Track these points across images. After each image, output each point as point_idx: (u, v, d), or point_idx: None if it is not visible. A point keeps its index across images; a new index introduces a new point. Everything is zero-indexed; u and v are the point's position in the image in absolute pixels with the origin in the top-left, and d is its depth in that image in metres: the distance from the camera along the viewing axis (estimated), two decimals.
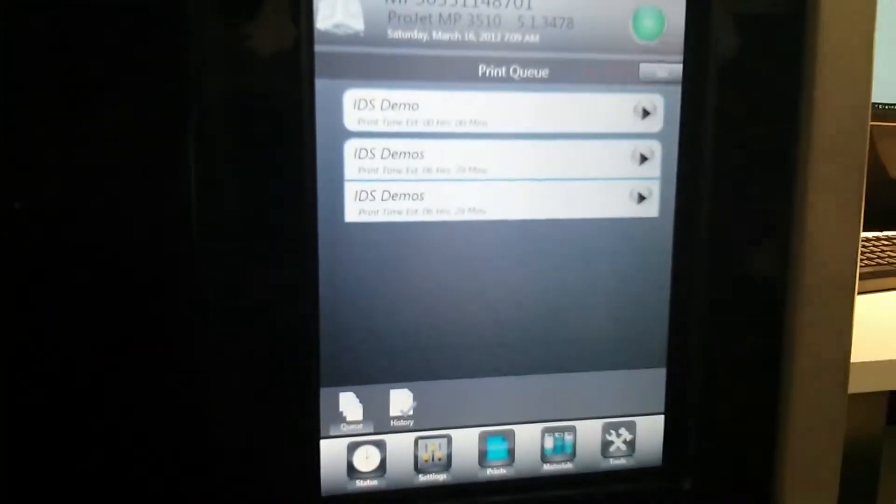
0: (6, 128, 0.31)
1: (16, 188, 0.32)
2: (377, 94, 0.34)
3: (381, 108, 0.34)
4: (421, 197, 0.35)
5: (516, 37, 0.35)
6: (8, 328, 0.32)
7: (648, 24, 0.36)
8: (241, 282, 0.34)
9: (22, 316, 0.33)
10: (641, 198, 0.37)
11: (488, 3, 0.35)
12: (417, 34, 0.34)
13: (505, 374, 0.38)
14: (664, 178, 0.38)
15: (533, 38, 0.35)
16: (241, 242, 0.34)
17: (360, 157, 0.34)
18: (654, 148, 0.37)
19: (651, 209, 0.38)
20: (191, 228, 0.33)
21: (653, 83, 0.37)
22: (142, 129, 0.32)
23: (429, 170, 0.35)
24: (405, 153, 0.35)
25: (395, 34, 0.34)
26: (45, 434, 0.34)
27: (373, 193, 0.35)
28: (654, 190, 0.37)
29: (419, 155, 0.35)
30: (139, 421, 0.34)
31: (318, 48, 0.33)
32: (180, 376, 0.34)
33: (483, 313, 0.37)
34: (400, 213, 0.35)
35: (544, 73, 0.36)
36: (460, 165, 0.36)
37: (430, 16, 0.34)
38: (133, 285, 0.33)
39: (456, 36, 0.35)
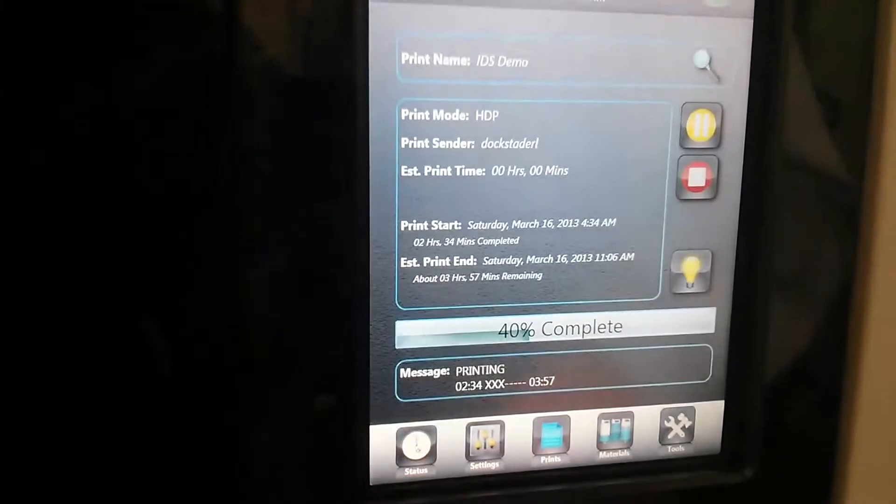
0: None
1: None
2: (433, 49, 0.32)
3: (436, 64, 0.32)
4: (478, 155, 0.33)
5: None
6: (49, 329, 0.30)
7: None
8: (290, 247, 0.32)
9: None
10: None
11: None
12: None
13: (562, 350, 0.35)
14: None
15: None
16: (289, 191, 0.31)
17: (413, 116, 0.32)
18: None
19: None
20: (237, 198, 0.31)
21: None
22: (186, 92, 0.30)
23: (485, 126, 0.33)
24: (461, 110, 0.33)
25: None
26: (81, 444, 0.31)
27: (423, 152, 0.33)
28: None
29: (475, 114, 0.33)
30: (177, 414, 0.32)
31: (373, 4, 0.31)
32: (221, 355, 0.32)
33: (537, 281, 0.35)
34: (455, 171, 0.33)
35: None
36: (516, 122, 0.33)
37: None
38: (177, 268, 0.31)
39: None
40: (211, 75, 0.30)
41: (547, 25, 0.33)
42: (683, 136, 0.35)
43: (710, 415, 0.38)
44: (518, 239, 0.34)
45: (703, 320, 0.37)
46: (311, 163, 0.31)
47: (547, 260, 0.35)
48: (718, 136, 0.35)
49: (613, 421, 0.37)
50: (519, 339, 0.35)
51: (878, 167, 0.36)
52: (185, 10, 0.30)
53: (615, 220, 0.35)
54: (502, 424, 0.36)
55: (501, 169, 0.33)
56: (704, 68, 0.34)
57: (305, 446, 0.33)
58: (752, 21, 0.35)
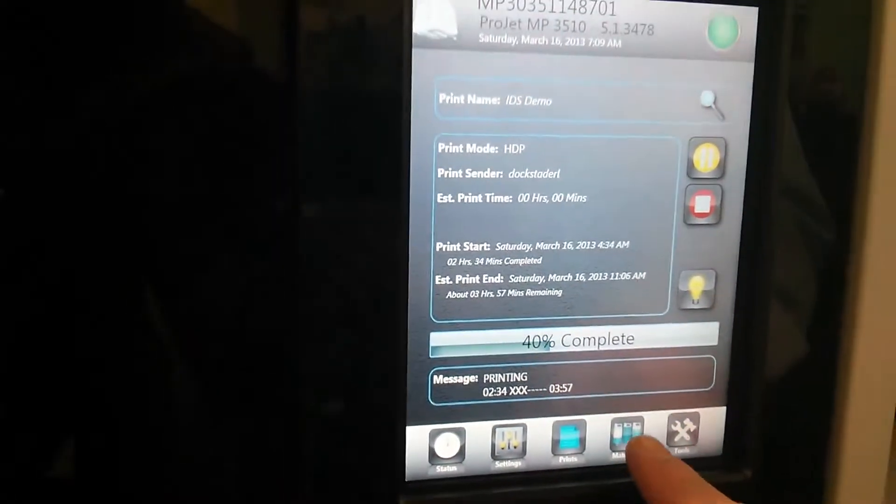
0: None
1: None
2: (467, 91, 0.36)
3: (470, 103, 0.36)
4: (506, 184, 0.37)
5: (600, 42, 0.37)
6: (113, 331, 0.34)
7: (723, 31, 0.38)
8: (337, 242, 0.35)
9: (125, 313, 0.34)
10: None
11: (574, 9, 0.36)
12: (507, 38, 0.36)
13: (577, 360, 0.39)
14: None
15: (616, 43, 0.37)
16: (340, 217, 0.35)
17: (449, 149, 0.36)
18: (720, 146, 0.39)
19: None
20: (293, 218, 0.34)
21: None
22: (248, 129, 0.34)
23: (512, 158, 0.37)
24: (491, 144, 0.36)
25: (486, 38, 0.35)
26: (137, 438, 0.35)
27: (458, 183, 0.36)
28: None
29: (504, 147, 0.36)
30: (234, 414, 0.36)
31: (415, 51, 0.35)
32: (277, 364, 0.35)
33: (557, 297, 0.38)
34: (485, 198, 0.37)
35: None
36: (541, 155, 0.37)
37: (519, 21, 0.36)
38: (238, 282, 0.35)
39: (543, 41, 0.36)
40: (272, 104, 0.34)
41: (568, 69, 0.36)
42: (690, 167, 0.38)
43: (713, 419, 0.41)
44: (541, 259, 0.38)
45: (707, 333, 0.40)
46: (359, 191, 0.35)
47: (567, 278, 0.38)
48: (722, 167, 0.39)
49: (625, 424, 0.40)
50: (540, 350, 0.39)
51: (867, 194, 0.40)
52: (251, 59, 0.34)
53: (629, 242, 0.38)
54: (525, 427, 0.39)
55: (527, 196, 0.37)
56: (710, 107, 0.38)
57: (348, 446, 0.37)
58: (753, 64, 0.38)
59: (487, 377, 0.38)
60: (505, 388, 0.39)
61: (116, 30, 0.33)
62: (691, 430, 0.41)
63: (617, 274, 0.39)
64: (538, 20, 0.36)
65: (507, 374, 0.39)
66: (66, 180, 0.33)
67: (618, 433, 0.40)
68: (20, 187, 0.33)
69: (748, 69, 0.38)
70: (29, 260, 0.33)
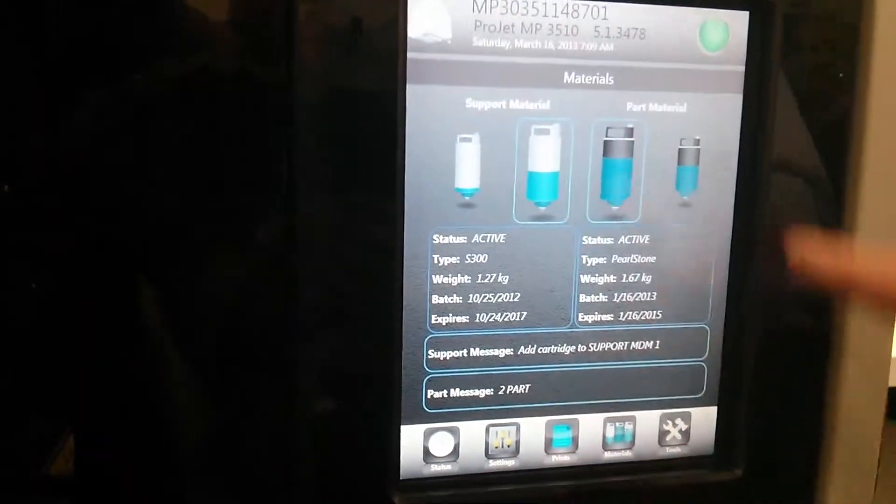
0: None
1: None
2: (463, 96, 0.36)
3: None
4: None
5: (592, 45, 0.37)
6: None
7: (714, 35, 0.38)
8: (336, 246, 0.36)
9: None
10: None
11: (567, 14, 0.36)
12: (501, 42, 0.36)
13: (571, 364, 0.40)
14: None
15: (608, 47, 0.37)
16: (336, 229, 0.36)
17: None
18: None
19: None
20: (289, 222, 0.35)
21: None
22: (246, 130, 0.34)
23: None
24: None
25: (480, 42, 0.36)
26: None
27: None
28: None
29: None
30: (237, 410, 0.36)
31: (410, 55, 0.35)
32: (277, 366, 0.36)
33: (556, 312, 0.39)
34: None
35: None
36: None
37: (512, 25, 0.36)
38: (238, 283, 0.35)
39: (537, 44, 0.36)
40: (269, 106, 0.34)
41: (561, 73, 0.37)
42: None
43: (704, 420, 0.42)
44: None
45: (699, 336, 0.41)
46: (356, 191, 0.35)
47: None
48: None
49: (617, 424, 0.41)
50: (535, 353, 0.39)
51: (857, 199, 0.41)
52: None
53: None
54: (518, 426, 0.40)
55: None
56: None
57: (344, 444, 0.37)
58: (743, 68, 0.39)
59: (481, 378, 0.39)
60: (499, 388, 0.39)
61: (113, 31, 0.33)
62: (683, 430, 0.42)
63: None
64: (531, 24, 0.36)
65: (502, 374, 0.39)
66: (66, 178, 0.33)
67: (610, 432, 0.41)
68: (24, 183, 0.33)
69: (739, 73, 0.39)
70: (29, 254, 0.34)
